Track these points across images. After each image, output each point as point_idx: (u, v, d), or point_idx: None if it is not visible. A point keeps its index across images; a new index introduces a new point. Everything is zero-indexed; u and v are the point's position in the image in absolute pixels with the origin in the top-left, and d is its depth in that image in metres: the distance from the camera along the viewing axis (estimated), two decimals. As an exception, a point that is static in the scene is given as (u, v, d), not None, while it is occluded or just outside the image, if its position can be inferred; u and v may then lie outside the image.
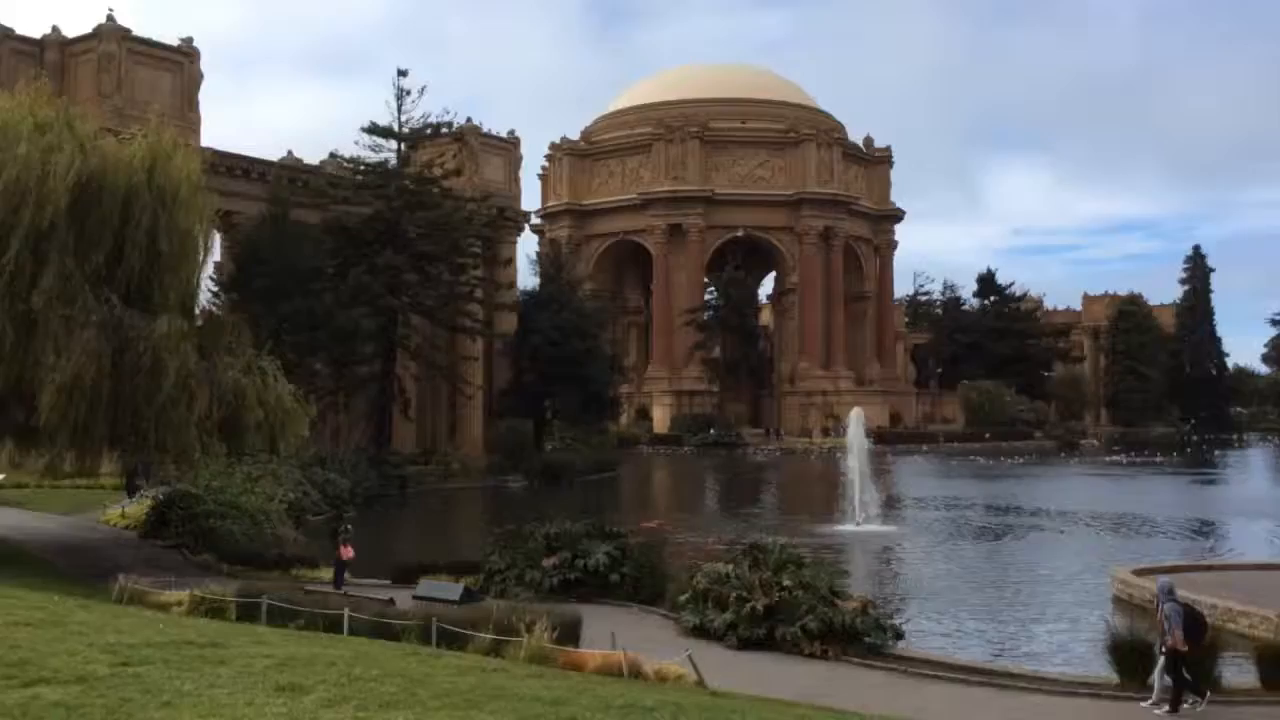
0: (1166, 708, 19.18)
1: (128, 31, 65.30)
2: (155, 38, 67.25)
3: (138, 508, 44.54)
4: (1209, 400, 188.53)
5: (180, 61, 67.72)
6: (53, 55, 64.84)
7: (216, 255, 51.86)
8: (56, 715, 9.10)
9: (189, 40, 68.23)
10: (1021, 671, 22.70)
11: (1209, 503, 68.78)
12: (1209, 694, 19.51)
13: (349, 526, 34.22)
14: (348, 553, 31.90)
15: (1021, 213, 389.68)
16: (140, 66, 65.62)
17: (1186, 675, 19.30)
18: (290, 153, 79.28)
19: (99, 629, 15.81)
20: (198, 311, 38.20)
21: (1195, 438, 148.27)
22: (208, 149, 55.17)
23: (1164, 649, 19.33)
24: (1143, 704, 19.59)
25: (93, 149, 33.81)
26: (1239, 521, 56.61)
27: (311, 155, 77.93)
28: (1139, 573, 32.52)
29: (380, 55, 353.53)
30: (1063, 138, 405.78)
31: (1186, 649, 19.11)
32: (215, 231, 43.83)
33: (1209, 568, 35.57)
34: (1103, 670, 21.61)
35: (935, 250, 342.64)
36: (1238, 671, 21.52)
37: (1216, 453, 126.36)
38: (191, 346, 33.21)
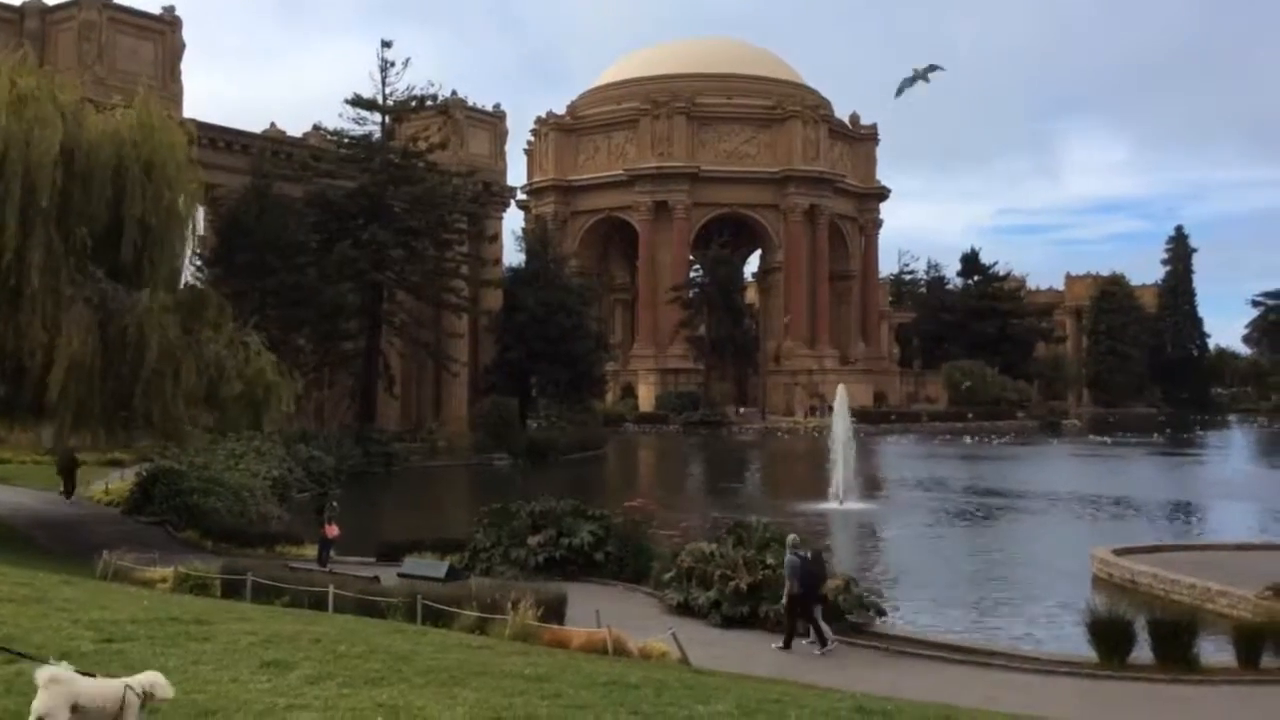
0: (819, 648, 21.95)
1: (109, -1, 64.65)
2: (137, 6, 66.63)
3: (121, 484, 44.44)
4: (1190, 381, 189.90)
5: (162, 30, 67.00)
6: (33, 23, 64.08)
7: (200, 229, 51.40)
8: (40, 692, 9.10)
9: (170, 9, 67.50)
10: (1002, 650, 22.91)
11: (1189, 484, 69.31)
12: (832, 642, 22.08)
13: (334, 504, 34.17)
14: (333, 531, 31.90)
15: (1011, 192, 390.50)
16: (122, 35, 64.92)
17: (818, 621, 22.25)
18: (273, 124, 78.80)
19: (83, 605, 15.77)
20: (182, 286, 37.95)
21: (1163, 419, 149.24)
22: (191, 120, 54.71)
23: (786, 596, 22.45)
24: (773, 645, 22.22)
25: (78, 121, 33.49)
26: (1218, 503, 57.11)
27: (293, 127, 77.50)
28: (1119, 553, 32.80)
29: (363, 26, 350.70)
30: (1054, 118, 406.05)
31: (797, 595, 22.24)
32: (199, 205, 43.58)
33: (1189, 548, 35.89)
34: (1082, 649, 21.80)
35: (923, 229, 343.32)
36: (1216, 650, 21.76)
37: (1196, 433, 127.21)
38: (176, 321, 33.08)
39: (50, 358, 30.24)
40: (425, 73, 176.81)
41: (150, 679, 7.83)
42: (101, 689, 7.53)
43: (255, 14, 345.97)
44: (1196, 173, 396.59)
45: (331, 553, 31.81)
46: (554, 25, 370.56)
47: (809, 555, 22.94)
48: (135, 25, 65.95)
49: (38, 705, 7.22)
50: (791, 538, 23.85)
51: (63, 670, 7.41)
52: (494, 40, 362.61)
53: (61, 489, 44.20)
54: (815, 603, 22.33)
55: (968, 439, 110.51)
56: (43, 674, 7.33)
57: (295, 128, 79.99)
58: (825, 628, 22.15)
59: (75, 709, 7.29)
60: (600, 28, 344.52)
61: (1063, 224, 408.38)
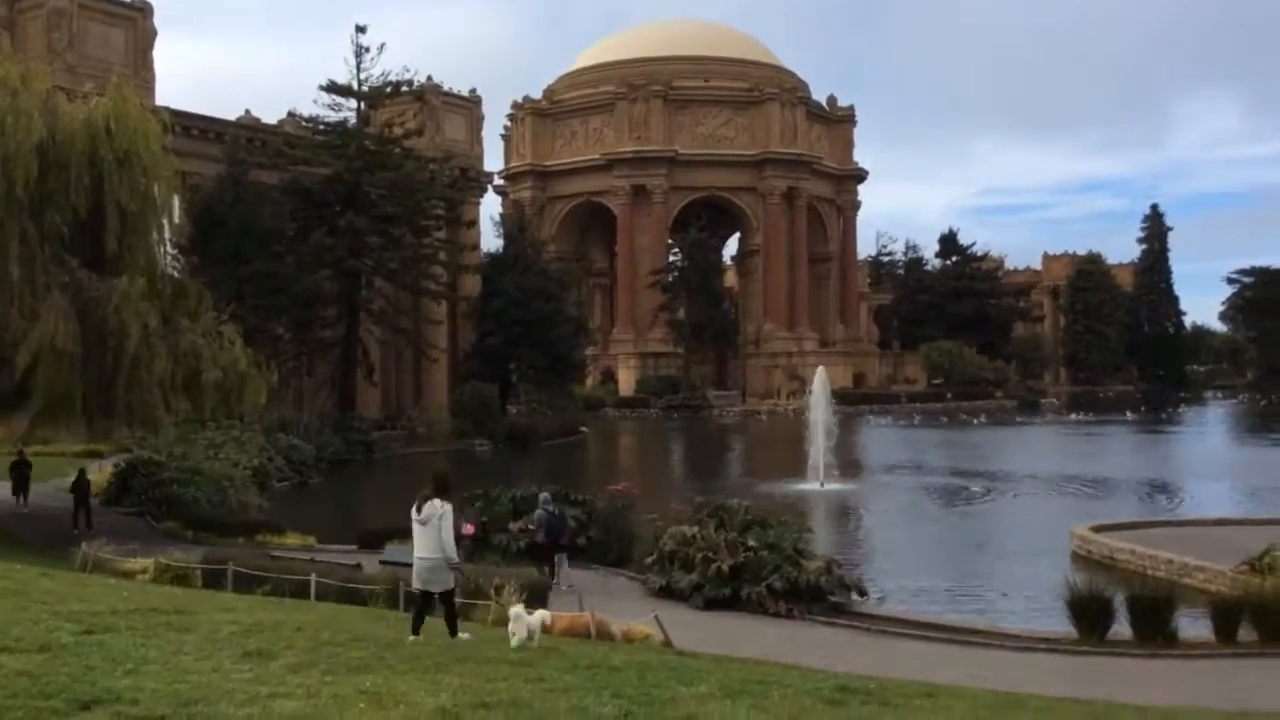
0: (563, 586, 25.19)
1: (78, -14, 63.79)
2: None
3: (100, 475, 44.10)
4: (1166, 358, 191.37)
5: (133, 17, 66.24)
6: (1, 11, 63.27)
7: (176, 218, 50.93)
8: (20, 684, 9.03)
9: (141, -5, 66.75)
10: (983, 627, 23.09)
11: (1167, 462, 69.92)
12: (567, 585, 25.29)
13: (476, 504, 30.63)
14: (469, 529, 27.90)
15: (990, 172, 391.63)
16: (92, 23, 64.15)
17: (561, 566, 26.42)
18: (248, 111, 78.12)
19: (62, 597, 15.68)
20: (160, 275, 37.63)
21: (1140, 396, 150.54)
22: (164, 108, 54.14)
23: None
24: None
25: (51, 110, 33.16)
26: (1196, 479, 57.61)
27: (268, 114, 76.87)
28: (1097, 530, 33.08)
29: (336, 11, 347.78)
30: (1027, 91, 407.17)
31: (545, 543, 26.67)
32: (175, 194, 43.19)
33: (1166, 524, 36.22)
34: (1062, 626, 21.98)
35: (903, 210, 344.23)
36: (1193, 625, 21.97)
37: (1176, 410, 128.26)
38: (154, 309, 32.87)
39: (30, 348, 29.99)
40: (402, 57, 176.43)
41: None
42: None
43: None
44: (1176, 151, 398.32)
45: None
46: (530, 8, 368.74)
47: (556, 511, 27.48)
48: (105, 12, 65.18)
49: None
50: (543, 495, 28.11)
51: None
52: (468, 24, 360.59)
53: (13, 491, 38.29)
54: (559, 550, 26.83)
55: (944, 419, 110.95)
56: None
57: (269, 114, 79.43)
58: (566, 573, 26.32)
59: None
60: (576, 10, 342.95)
61: (1044, 203, 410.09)
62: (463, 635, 14.18)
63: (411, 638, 13.46)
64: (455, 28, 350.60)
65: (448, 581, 14.13)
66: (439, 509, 13.75)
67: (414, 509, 13.92)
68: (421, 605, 14.36)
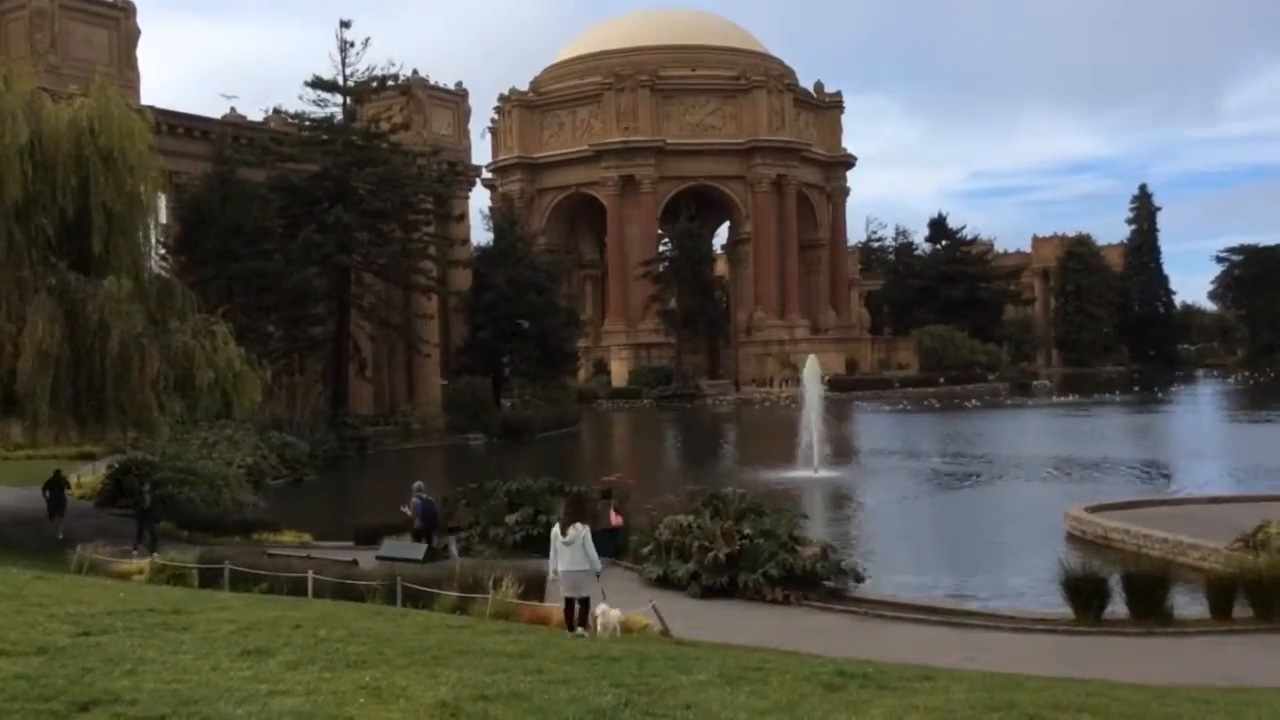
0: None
1: (60, -14, 63.41)
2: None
3: (93, 477, 44.05)
4: (1157, 338, 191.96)
5: (116, 17, 65.90)
6: (-17, 14, 62.95)
7: (163, 217, 50.75)
8: (17, 687, 9.01)
9: (124, -6, 66.41)
10: (979, 610, 23.14)
11: (1162, 442, 70.16)
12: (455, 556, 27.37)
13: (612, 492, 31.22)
14: (617, 520, 28.97)
15: (979, 155, 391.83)
16: (74, 23, 63.80)
17: (435, 544, 28.68)
18: (233, 109, 77.86)
19: (58, 599, 15.65)
20: (148, 276, 37.51)
21: (1137, 375, 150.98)
22: (149, 108, 53.90)
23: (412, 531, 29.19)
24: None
25: (35, 111, 32.98)
26: (1191, 458, 57.85)
27: (252, 109, 76.54)
28: (1092, 510, 33.20)
29: (321, 4, 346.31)
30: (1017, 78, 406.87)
31: (420, 529, 29.22)
32: (161, 194, 43.00)
33: (1160, 502, 36.37)
34: (1058, 606, 22.06)
35: (893, 195, 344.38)
36: (1189, 603, 22.08)
37: (1170, 390, 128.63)
38: (142, 310, 32.77)
39: (17, 350, 29.87)
40: (387, 50, 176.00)
41: None
42: None
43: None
44: (1162, 130, 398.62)
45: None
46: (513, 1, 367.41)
47: (429, 498, 30.05)
48: (88, 12, 64.82)
49: None
50: (417, 484, 30.72)
51: None
52: (455, 16, 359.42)
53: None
54: (434, 534, 29.45)
55: (935, 403, 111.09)
56: None
57: (255, 111, 79.11)
58: (454, 550, 28.47)
59: None
60: (562, 1, 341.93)
61: (1033, 185, 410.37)
62: (582, 633, 16.97)
63: (569, 634, 16.40)
64: (440, 22, 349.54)
65: (590, 588, 17.43)
66: (581, 531, 17.20)
67: (558, 530, 17.26)
68: (570, 608, 17.47)
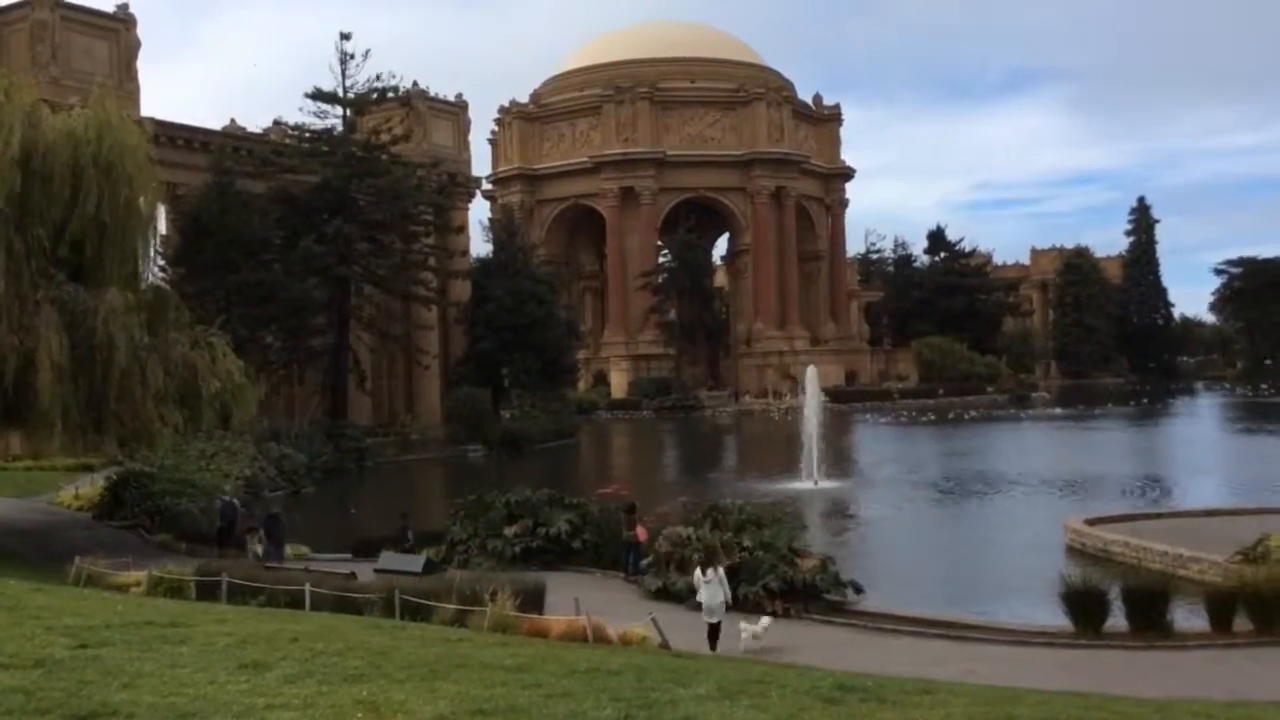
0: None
1: (61, -2, 63.58)
2: (89, 4, 65.51)
3: (92, 489, 43.97)
4: (1156, 350, 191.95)
5: (116, 29, 65.99)
6: (-16, 25, 63.05)
7: (162, 229, 50.70)
8: (15, 700, 8.98)
9: (124, 6, 66.52)
10: (979, 622, 23.08)
11: (1161, 457, 70.08)
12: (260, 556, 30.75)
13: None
14: (643, 534, 28.22)
15: (983, 166, 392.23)
16: (75, 34, 63.91)
17: (229, 546, 32.55)
18: (233, 120, 78.02)
19: (56, 612, 15.60)
20: (145, 287, 37.52)
21: (1139, 388, 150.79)
22: (149, 119, 53.99)
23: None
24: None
25: (35, 122, 33.01)
26: (1191, 471, 57.77)
27: (251, 120, 76.63)
28: (1091, 522, 33.16)
29: (320, 17, 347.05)
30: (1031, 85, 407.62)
31: (223, 528, 33.76)
32: (160, 205, 43.00)
33: (1160, 515, 36.30)
34: (1058, 619, 22.00)
35: (896, 207, 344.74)
36: (1189, 616, 22.02)
37: (1170, 401, 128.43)
38: (141, 321, 32.75)
39: (20, 362, 29.81)
40: (386, 62, 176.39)
41: None
42: None
43: (211, 6, 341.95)
44: (1169, 142, 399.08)
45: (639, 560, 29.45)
46: (515, 12, 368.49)
47: (231, 500, 35.47)
48: (89, 24, 64.96)
49: None
50: (228, 488, 37.17)
51: None
52: (454, 27, 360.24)
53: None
54: (233, 534, 33.20)
55: (932, 415, 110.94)
56: None
57: (255, 122, 79.27)
58: (256, 550, 31.37)
59: None
60: (561, 13, 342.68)
61: (1037, 197, 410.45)
62: (719, 651, 19.89)
63: (709, 651, 19.66)
64: (439, 34, 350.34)
65: (723, 614, 20.87)
66: (720, 573, 21.24)
67: (700, 571, 21.40)
68: (712, 630, 20.72)
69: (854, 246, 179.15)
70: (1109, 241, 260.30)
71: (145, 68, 68.18)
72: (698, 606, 24.06)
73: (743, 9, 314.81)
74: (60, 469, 50.36)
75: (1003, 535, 38.35)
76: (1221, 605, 21.20)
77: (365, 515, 47.69)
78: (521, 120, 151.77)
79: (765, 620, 21.31)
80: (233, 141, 73.09)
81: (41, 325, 30.18)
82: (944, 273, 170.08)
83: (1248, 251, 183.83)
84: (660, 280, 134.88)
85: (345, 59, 74.37)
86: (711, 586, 21.00)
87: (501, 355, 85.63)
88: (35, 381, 29.76)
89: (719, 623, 20.95)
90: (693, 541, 25.82)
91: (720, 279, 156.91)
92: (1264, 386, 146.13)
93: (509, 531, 30.14)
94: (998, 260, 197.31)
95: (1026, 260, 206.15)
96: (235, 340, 37.82)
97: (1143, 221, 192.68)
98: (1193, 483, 51.99)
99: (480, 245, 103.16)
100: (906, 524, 42.34)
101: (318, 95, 74.61)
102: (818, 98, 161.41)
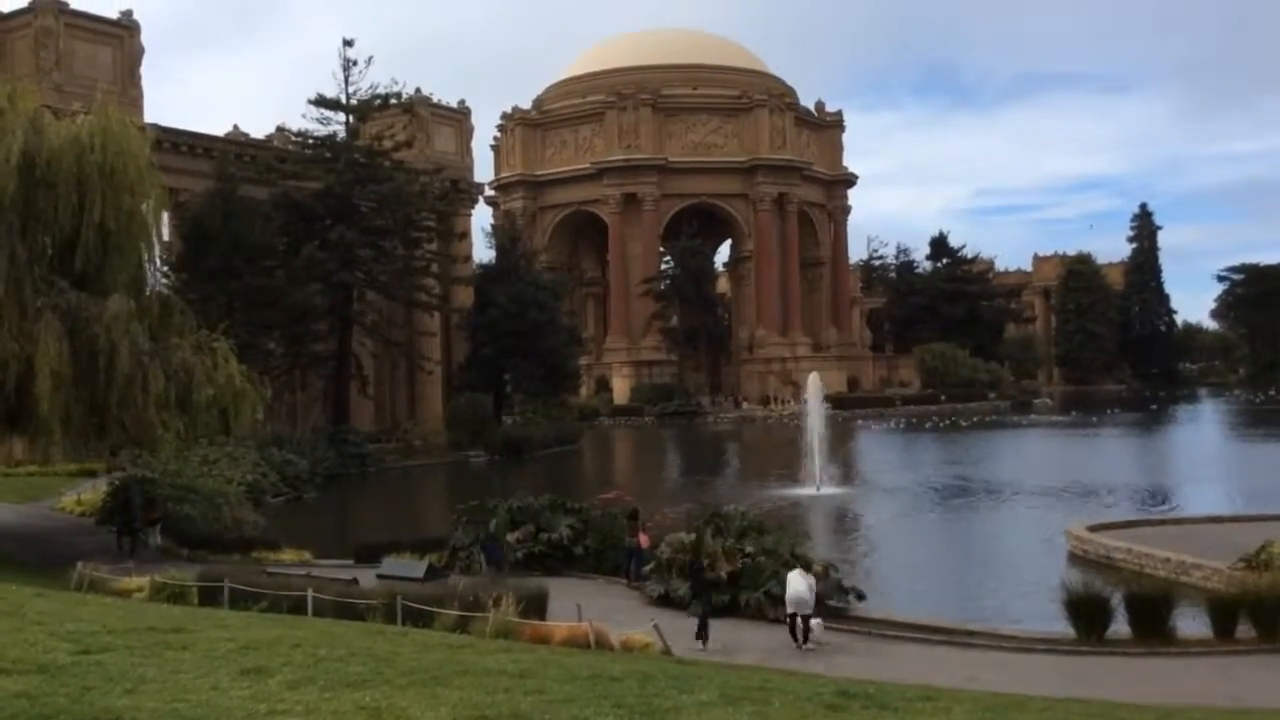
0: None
1: (65, 5, 63.65)
2: (94, 11, 65.68)
3: (94, 494, 43.98)
4: (1158, 356, 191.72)
5: (120, 35, 66.15)
6: (-12, 32, 63.19)
7: (165, 235, 50.69)
8: (18, 706, 8.99)
9: (128, 13, 66.67)
10: (981, 629, 23.07)
11: (1163, 464, 69.95)
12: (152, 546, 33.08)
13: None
14: (645, 540, 28.34)
15: (985, 172, 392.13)
16: (79, 41, 64.06)
17: (136, 535, 34.18)
18: (236, 127, 78.15)
19: (59, 617, 15.62)
20: (147, 293, 37.54)
21: (1148, 394, 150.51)
22: (152, 125, 54.11)
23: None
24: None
25: (38, 129, 33.07)
26: (1194, 479, 57.66)
27: (254, 127, 76.76)
28: (1094, 529, 33.12)
29: (322, 24, 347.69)
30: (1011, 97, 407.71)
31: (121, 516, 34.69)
32: (164, 211, 43.03)
33: (1162, 522, 36.28)
34: (1060, 626, 21.98)
35: (899, 213, 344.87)
36: (1191, 623, 21.99)
37: (1174, 407, 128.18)
38: (143, 327, 32.78)
39: (22, 368, 29.85)
40: (390, 69, 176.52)
41: None
42: None
43: (214, 13, 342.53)
44: (1174, 147, 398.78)
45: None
46: (517, 19, 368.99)
47: (135, 477, 36.82)
48: (93, 31, 65.09)
49: None
50: (133, 484, 36.65)
51: None
52: (456, 34, 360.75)
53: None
54: (130, 515, 34.43)
55: (937, 421, 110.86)
56: None
57: (258, 128, 79.35)
58: (154, 544, 33.23)
59: None
60: (564, 20, 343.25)
61: (1040, 203, 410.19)
62: (807, 646, 21.27)
63: (795, 644, 21.17)
64: (443, 39, 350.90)
65: (811, 608, 21.69)
66: (811, 579, 21.96)
67: (799, 572, 22.01)
68: (794, 623, 21.58)
69: (856, 253, 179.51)
70: (1111, 248, 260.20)
71: (149, 73, 68.02)
72: (700, 612, 24.14)
73: (745, 16, 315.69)
74: (62, 474, 50.33)
75: (1005, 542, 38.32)
76: (1224, 612, 21.17)
77: (369, 519, 47.69)
78: (524, 126, 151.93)
79: (818, 621, 22.17)
80: (236, 148, 73.23)
81: (43, 332, 30.20)
82: (946, 279, 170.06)
83: (1250, 258, 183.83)
84: (662, 287, 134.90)
85: (348, 65, 74.54)
86: (805, 583, 21.84)
87: (504, 361, 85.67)
88: (35, 388, 29.77)
89: (806, 617, 21.65)
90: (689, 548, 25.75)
91: (722, 285, 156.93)
92: (1273, 392, 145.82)
93: (511, 537, 30.14)
94: (1000, 267, 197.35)
95: (1029, 267, 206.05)
96: (237, 346, 37.74)
97: (1145, 228, 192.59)
98: (1195, 489, 51.89)
99: (483, 251, 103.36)
100: (909, 530, 42.29)
101: (321, 102, 74.76)
102: (820, 104, 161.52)
